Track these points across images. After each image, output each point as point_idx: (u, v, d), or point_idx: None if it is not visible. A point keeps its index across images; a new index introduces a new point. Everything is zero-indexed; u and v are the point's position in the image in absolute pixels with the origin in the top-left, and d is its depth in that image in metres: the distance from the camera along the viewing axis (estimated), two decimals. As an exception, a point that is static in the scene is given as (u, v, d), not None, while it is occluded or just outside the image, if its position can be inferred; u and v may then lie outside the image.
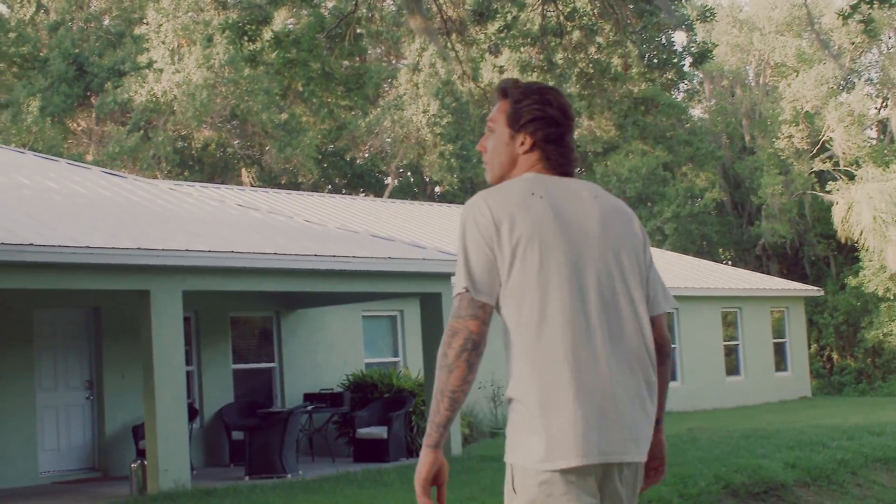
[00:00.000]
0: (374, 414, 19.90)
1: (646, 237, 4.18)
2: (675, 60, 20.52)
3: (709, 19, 21.64)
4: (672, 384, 30.65)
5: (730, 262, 50.21)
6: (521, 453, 3.89)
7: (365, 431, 19.61)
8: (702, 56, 19.69)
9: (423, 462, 3.92)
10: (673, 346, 31.23)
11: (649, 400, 4.01)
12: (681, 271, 33.70)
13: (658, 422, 4.23)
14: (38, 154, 23.88)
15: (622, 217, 4.14)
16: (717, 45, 22.00)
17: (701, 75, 51.29)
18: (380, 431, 19.39)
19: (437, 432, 3.91)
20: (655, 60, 21.29)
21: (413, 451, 20.02)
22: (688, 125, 51.24)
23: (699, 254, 47.70)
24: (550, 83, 22.52)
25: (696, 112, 53.79)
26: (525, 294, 3.90)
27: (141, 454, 17.58)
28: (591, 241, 4.00)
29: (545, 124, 4.17)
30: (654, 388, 4.05)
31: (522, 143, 4.19)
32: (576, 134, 49.06)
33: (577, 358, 3.84)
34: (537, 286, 3.89)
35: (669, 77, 20.67)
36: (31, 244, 14.50)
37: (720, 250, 52.07)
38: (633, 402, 3.93)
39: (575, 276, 3.92)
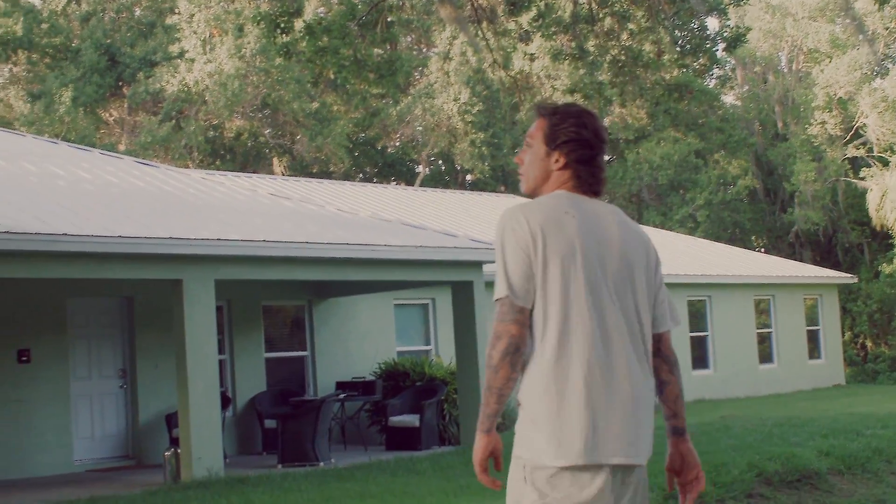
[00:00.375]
0: (406, 402, 19.91)
1: (658, 260, 4.59)
2: (709, 45, 20.41)
3: (741, 4, 21.52)
4: (704, 372, 30.63)
5: (762, 250, 50.02)
6: (533, 449, 4.31)
7: (397, 419, 19.62)
8: (735, 41, 19.58)
9: (478, 446, 4.36)
10: (705, 333, 31.15)
11: (650, 408, 4.43)
12: (713, 259, 33.56)
13: (682, 431, 4.72)
14: (71, 144, 24.00)
15: (639, 241, 4.53)
16: (750, 30, 21.85)
17: (733, 62, 51.04)
18: (412, 419, 19.39)
19: (489, 421, 4.36)
20: (688, 46, 21.18)
21: (445, 440, 20.03)
22: (720, 112, 50.97)
23: (731, 241, 47.52)
24: (581, 71, 22.43)
25: (729, 99, 53.54)
26: (549, 306, 4.31)
27: (174, 442, 17.64)
28: (612, 262, 4.40)
29: (579, 146, 4.51)
30: (651, 397, 4.48)
31: (557, 161, 4.53)
32: (607, 121, 49.06)
33: (591, 369, 4.25)
34: (560, 299, 4.29)
35: (703, 63, 20.57)
36: (64, 234, 14.56)
37: (753, 238, 51.86)
38: (640, 410, 4.36)
39: (595, 293, 4.32)
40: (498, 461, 4.42)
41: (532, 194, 4.60)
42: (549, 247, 4.28)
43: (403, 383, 20.78)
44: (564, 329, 4.27)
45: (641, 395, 4.38)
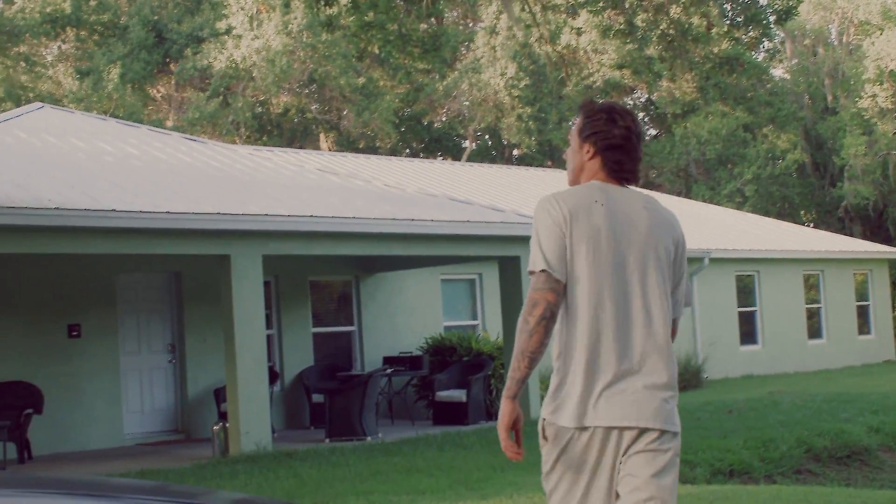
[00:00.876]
0: (454, 377, 19.92)
1: (684, 246, 4.95)
2: (760, 18, 20.22)
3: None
4: (752, 348, 30.48)
5: (811, 225, 49.65)
6: (549, 410, 4.75)
7: (444, 394, 19.65)
8: (786, 13, 19.40)
9: (504, 411, 4.69)
10: (754, 309, 30.97)
11: (666, 377, 4.76)
12: (761, 234, 33.34)
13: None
14: (119, 120, 24.11)
15: (666, 228, 4.88)
16: (801, 2, 21.63)
17: (783, 35, 50.56)
18: (459, 394, 19.41)
19: (517, 386, 4.67)
20: (738, 19, 20.99)
21: (492, 415, 20.02)
22: (769, 85, 50.54)
23: (780, 216, 47.17)
24: (629, 46, 22.28)
25: (778, 72, 53.08)
26: (576, 284, 4.72)
27: (223, 416, 17.73)
28: (636, 246, 4.77)
29: (606, 136, 4.88)
30: (670, 367, 4.80)
31: (588, 151, 4.92)
32: (655, 95, 48.76)
33: (600, 343, 4.68)
34: (587, 279, 4.69)
35: (753, 36, 20.38)
36: (113, 210, 14.63)
37: (801, 212, 51.47)
38: (650, 378, 4.72)
39: (618, 274, 4.72)
40: (518, 434, 4.77)
41: (572, 185, 4.97)
42: (576, 231, 4.69)
43: (450, 358, 20.79)
44: (592, 308, 4.69)
45: (654, 366, 4.75)
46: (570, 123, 49.89)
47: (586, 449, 4.68)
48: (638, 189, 4.99)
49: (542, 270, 4.68)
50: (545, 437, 4.77)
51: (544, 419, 4.76)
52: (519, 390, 4.67)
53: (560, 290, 4.69)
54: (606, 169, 4.90)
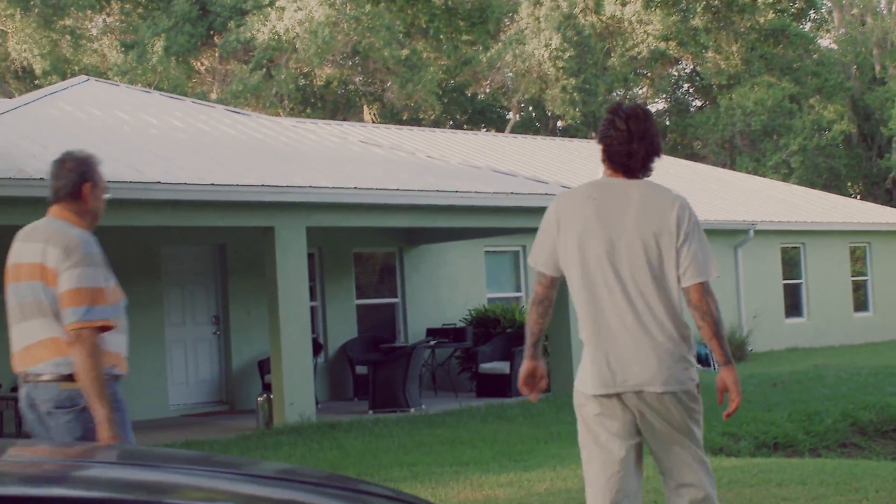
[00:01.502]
0: (497, 349, 19.92)
1: (681, 223, 5.36)
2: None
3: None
4: (798, 320, 30.28)
5: (858, 196, 49.22)
6: (577, 379, 5.58)
7: (487, 366, 19.66)
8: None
9: (523, 367, 5.63)
10: (799, 281, 30.76)
11: (665, 346, 5.37)
12: (807, 205, 33.09)
13: (724, 362, 5.51)
14: (163, 93, 24.17)
15: (660, 208, 5.36)
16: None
17: (830, 4, 50.09)
18: (502, 366, 19.41)
19: (528, 350, 5.63)
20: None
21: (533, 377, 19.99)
22: (816, 56, 50.11)
23: (826, 188, 46.79)
24: (673, 17, 22.17)
25: (825, 42, 52.57)
26: (571, 272, 5.48)
27: (267, 388, 17.81)
28: (624, 232, 5.35)
29: (608, 138, 5.48)
30: (671, 338, 5.41)
31: (601, 152, 5.56)
32: (700, 67, 48.38)
33: (599, 322, 5.40)
34: (579, 267, 5.42)
35: (799, 6, 20.21)
36: (157, 182, 14.70)
37: (848, 184, 51.04)
38: (645, 350, 5.33)
39: (609, 260, 5.36)
40: (542, 380, 5.67)
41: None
42: (566, 227, 5.46)
43: (494, 330, 20.78)
44: (583, 293, 5.45)
45: (650, 338, 5.37)
46: (616, 94, 49.71)
47: (598, 409, 5.45)
48: (642, 180, 5.52)
49: (533, 265, 5.64)
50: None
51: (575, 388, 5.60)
52: (531, 353, 5.62)
53: (546, 283, 5.60)
54: (610, 167, 5.54)
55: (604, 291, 5.39)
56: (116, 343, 5.73)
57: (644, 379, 5.35)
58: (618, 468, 5.42)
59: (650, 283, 5.37)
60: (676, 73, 55.29)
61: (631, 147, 5.43)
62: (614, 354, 5.36)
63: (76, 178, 5.88)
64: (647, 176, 5.55)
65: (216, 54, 44.54)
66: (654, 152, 5.50)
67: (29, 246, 5.63)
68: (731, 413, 5.51)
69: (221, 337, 19.66)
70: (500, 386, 19.39)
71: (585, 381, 5.46)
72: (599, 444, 5.47)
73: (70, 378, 5.46)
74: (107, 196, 6.17)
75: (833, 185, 48.87)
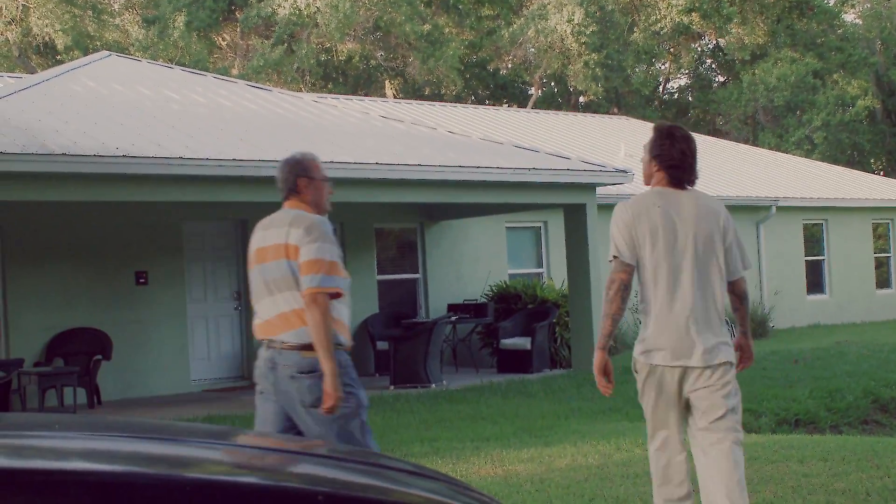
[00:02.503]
0: (518, 325, 19.92)
1: (728, 225, 6.45)
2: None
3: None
4: (820, 297, 30.22)
5: (881, 173, 48.98)
6: (638, 351, 6.47)
7: (509, 342, 19.66)
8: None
9: (596, 358, 6.32)
10: (821, 258, 30.65)
11: (718, 329, 6.35)
12: (830, 182, 32.95)
13: (744, 333, 6.69)
14: (185, 68, 24.18)
15: (712, 214, 6.41)
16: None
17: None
18: (523, 342, 19.41)
19: (604, 340, 6.32)
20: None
21: (556, 363, 20.02)
22: (840, 31, 49.80)
23: (849, 164, 46.59)
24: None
25: (849, 17, 52.22)
26: (644, 264, 6.36)
27: (288, 363, 17.82)
28: (686, 234, 6.32)
29: (667, 157, 6.42)
30: (721, 322, 6.40)
31: (655, 166, 6.48)
32: (723, 41, 48.13)
33: (666, 306, 6.30)
34: (650, 261, 6.33)
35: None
36: (179, 157, 14.71)
37: (871, 160, 50.79)
38: (703, 332, 6.27)
39: (673, 256, 6.31)
40: (610, 375, 6.35)
41: (645, 184, 6.61)
42: (640, 228, 6.30)
43: (515, 306, 20.78)
44: (653, 282, 6.34)
45: (707, 321, 6.32)
46: (638, 70, 49.48)
47: (659, 378, 6.38)
48: (693, 189, 6.52)
49: (616, 257, 6.34)
50: (635, 370, 6.50)
51: (634, 358, 6.47)
52: (607, 343, 6.33)
53: (630, 270, 6.33)
54: (667, 180, 6.44)
55: (670, 282, 6.33)
56: (344, 314, 6.58)
57: (702, 358, 6.31)
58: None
59: (707, 274, 6.38)
60: (699, 49, 55.05)
61: (693, 164, 6.51)
62: (675, 337, 6.32)
63: (292, 176, 6.84)
64: (693, 185, 6.57)
65: (237, 29, 44.52)
66: (696, 167, 6.60)
67: (272, 232, 6.61)
68: (744, 367, 6.73)
69: (243, 312, 19.69)
70: (521, 362, 19.40)
71: (643, 352, 6.42)
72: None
73: (310, 347, 6.33)
74: (329, 186, 7.14)
75: (856, 161, 48.66)
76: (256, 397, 6.69)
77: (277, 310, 6.49)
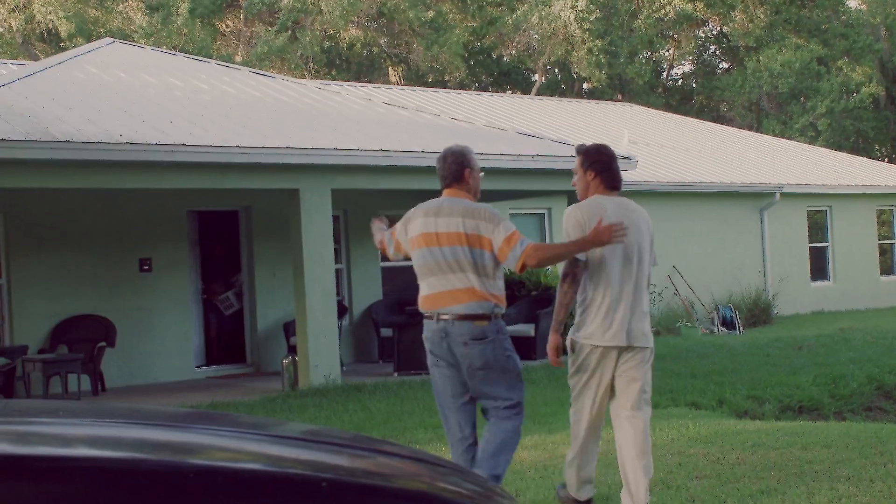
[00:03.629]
0: (522, 311, 19.90)
1: (650, 226, 7.62)
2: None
3: None
4: (823, 283, 30.22)
5: (886, 159, 48.93)
6: (578, 334, 7.50)
7: (512, 329, 19.50)
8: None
9: (552, 340, 7.49)
10: (825, 244, 30.64)
11: (646, 317, 7.45)
12: (834, 168, 32.93)
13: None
14: (188, 55, 24.17)
15: (643, 218, 7.57)
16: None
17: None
18: (527, 329, 19.41)
19: (557, 325, 7.42)
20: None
21: (562, 349, 20.00)
22: (844, 17, 49.70)
23: (854, 150, 46.55)
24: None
25: (853, 3, 52.10)
26: (594, 259, 7.35)
27: (292, 350, 17.88)
28: (631, 233, 7.31)
29: (600, 164, 7.57)
30: (647, 310, 7.50)
31: (591, 174, 7.57)
32: (728, 28, 47.99)
33: (611, 297, 7.32)
34: (599, 258, 7.32)
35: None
36: (183, 144, 14.72)
37: (876, 147, 50.72)
38: (638, 319, 7.34)
39: (619, 253, 7.31)
40: (559, 352, 7.48)
41: (582, 199, 7.56)
42: (589, 228, 7.20)
43: (518, 293, 20.76)
44: (601, 277, 7.33)
45: (634, 312, 7.35)
46: (642, 56, 49.40)
47: (599, 356, 7.39)
48: (621, 196, 7.59)
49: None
50: (572, 350, 7.51)
51: (573, 340, 7.51)
52: (560, 327, 7.40)
53: (582, 266, 7.33)
54: (604, 185, 7.53)
55: (620, 273, 7.32)
56: (502, 287, 7.48)
57: (633, 340, 7.36)
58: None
59: (645, 271, 7.51)
60: (703, 35, 54.96)
61: (615, 167, 7.62)
62: (613, 322, 7.33)
63: (458, 167, 7.73)
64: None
65: (241, 16, 44.49)
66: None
67: (443, 220, 7.51)
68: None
69: (246, 299, 19.71)
70: (525, 348, 19.37)
71: (595, 335, 7.35)
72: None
73: (480, 318, 7.25)
74: (482, 175, 8.03)
75: (861, 147, 48.60)
76: (433, 368, 7.52)
77: (450, 286, 7.32)
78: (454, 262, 7.34)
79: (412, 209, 7.94)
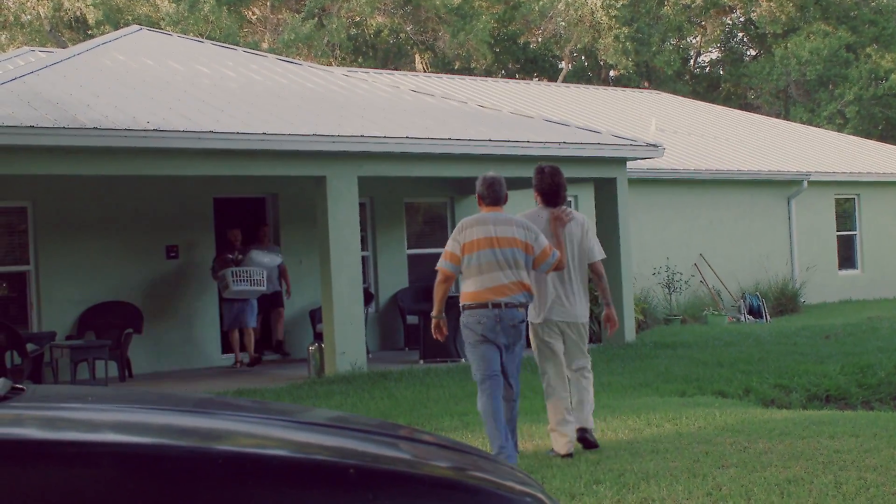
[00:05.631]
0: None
1: (587, 225, 9.67)
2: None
3: None
4: (851, 272, 30.06)
5: (915, 147, 48.61)
6: (536, 317, 9.47)
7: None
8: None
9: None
10: (853, 233, 30.47)
11: (585, 299, 9.65)
12: (862, 156, 32.74)
13: (608, 305, 9.88)
14: (215, 43, 24.20)
15: (577, 221, 9.59)
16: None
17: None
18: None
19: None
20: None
21: (588, 337, 19.98)
22: (873, 3, 49.40)
23: (882, 138, 46.28)
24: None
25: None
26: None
27: (318, 337, 17.90)
28: (567, 234, 9.45)
29: (541, 188, 9.64)
30: (586, 293, 9.69)
31: (535, 193, 9.71)
32: (755, 14, 47.77)
33: (559, 284, 9.46)
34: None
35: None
36: (210, 131, 14.74)
37: (905, 134, 50.41)
38: (579, 301, 9.61)
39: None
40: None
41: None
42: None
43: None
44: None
45: (578, 295, 9.61)
46: (669, 43, 49.20)
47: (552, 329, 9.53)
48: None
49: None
50: (535, 328, 9.54)
51: (533, 323, 9.53)
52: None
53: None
54: (545, 202, 9.61)
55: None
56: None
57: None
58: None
59: (580, 264, 9.59)
60: (730, 22, 54.73)
61: (559, 191, 9.63)
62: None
63: (505, 190, 9.56)
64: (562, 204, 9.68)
65: (268, 3, 44.52)
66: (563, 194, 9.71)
67: (501, 227, 9.14)
68: (612, 331, 10.11)
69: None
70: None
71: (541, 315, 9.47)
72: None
73: (524, 306, 9.13)
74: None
75: (889, 135, 48.32)
76: (481, 344, 9.15)
77: (506, 280, 9.01)
78: (513, 261, 9.17)
79: None
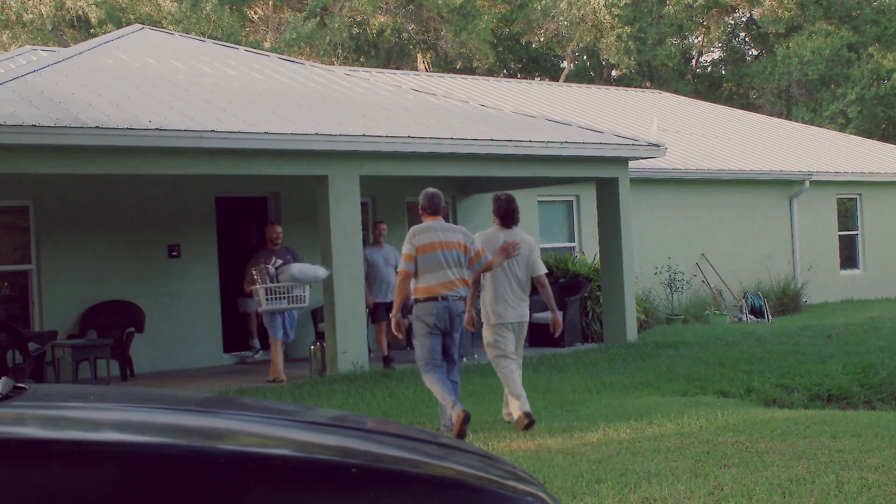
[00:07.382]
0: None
1: (534, 245, 11.56)
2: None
3: None
4: (853, 272, 30.05)
5: (918, 147, 48.59)
6: (490, 319, 11.35)
7: (540, 316, 19.61)
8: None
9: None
10: (855, 232, 30.47)
11: (525, 303, 11.45)
12: (864, 155, 32.72)
13: (554, 310, 11.59)
14: (217, 42, 24.20)
15: (525, 241, 11.37)
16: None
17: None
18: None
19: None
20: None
21: (588, 337, 20.01)
22: (875, 3, 49.39)
23: (884, 138, 46.28)
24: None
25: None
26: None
27: (320, 337, 17.89)
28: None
29: (499, 213, 11.44)
30: (527, 299, 11.48)
31: (494, 217, 11.51)
32: (757, 14, 47.72)
33: (506, 290, 11.34)
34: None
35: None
36: (212, 130, 14.74)
37: (907, 134, 50.39)
38: (520, 303, 11.39)
39: (509, 262, 11.19)
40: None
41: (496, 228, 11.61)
42: (489, 246, 11.01)
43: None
44: (497, 277, 11.15)
45: (520, 299, 11.36)
46: (671, 43, 49.21)
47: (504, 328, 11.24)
48: (515, 228, 11.51)
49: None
50: (490, 326, 11.32)
51: (488, 325, 11.35)
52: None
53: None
54: (502, 224, 11.38)
55: (506, 278, 11.26)
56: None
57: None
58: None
59: (525, 277, 11.35)
60: (733, 22, 54.72)
61: (514, 214, 11.48)
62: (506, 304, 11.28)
63: (443, 202, 11.30)
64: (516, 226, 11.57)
65: (270, 2, 44.52)
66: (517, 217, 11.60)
67: (449, 234, 10.91)
68: (556, 332, 11.72)
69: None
70: (552, 336, 19.34)
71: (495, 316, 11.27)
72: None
73: (464, 298, 11.02)
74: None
75: (891, 135, 48.32)
76: (429, 336, 10.82)
77: (453, 276, 10.81)
78: (456, 260, 11.04)
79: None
